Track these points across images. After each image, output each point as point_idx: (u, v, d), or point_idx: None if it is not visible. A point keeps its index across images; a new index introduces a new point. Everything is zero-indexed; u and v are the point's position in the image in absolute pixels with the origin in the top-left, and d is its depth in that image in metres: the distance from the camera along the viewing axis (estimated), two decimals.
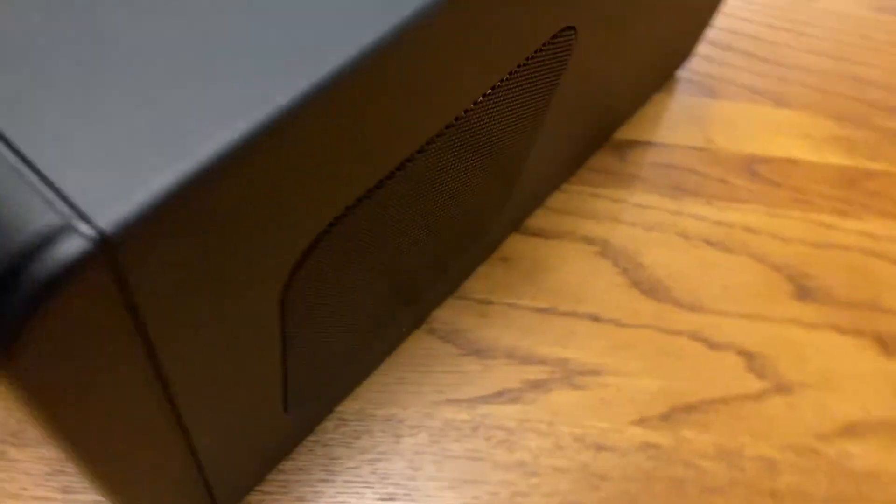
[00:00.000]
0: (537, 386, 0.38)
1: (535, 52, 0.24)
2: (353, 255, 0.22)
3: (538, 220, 0.43)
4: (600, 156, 0.46)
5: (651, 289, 0.41)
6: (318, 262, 0.21)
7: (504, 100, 0.25)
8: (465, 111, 0.22)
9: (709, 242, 0.43)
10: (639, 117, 0.47)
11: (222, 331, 0.20)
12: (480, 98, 0.23)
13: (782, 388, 0.39)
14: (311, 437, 0.35)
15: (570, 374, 0.38)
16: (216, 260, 0.17)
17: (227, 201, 0.15)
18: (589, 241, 0.43)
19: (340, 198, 0.20)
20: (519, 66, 0.24)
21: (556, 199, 0.44)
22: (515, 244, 0.42)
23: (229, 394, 0.24)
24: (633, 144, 0.46)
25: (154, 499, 0.27)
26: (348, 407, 0.36)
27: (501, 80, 0.23)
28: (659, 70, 0.45)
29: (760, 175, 0.46)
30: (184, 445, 0.24)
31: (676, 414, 0.38)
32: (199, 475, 0.26)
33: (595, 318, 0.40)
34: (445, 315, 0.39)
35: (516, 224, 0.42)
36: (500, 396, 0.37)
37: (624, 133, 0.47)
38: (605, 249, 0.42)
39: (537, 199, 0.42)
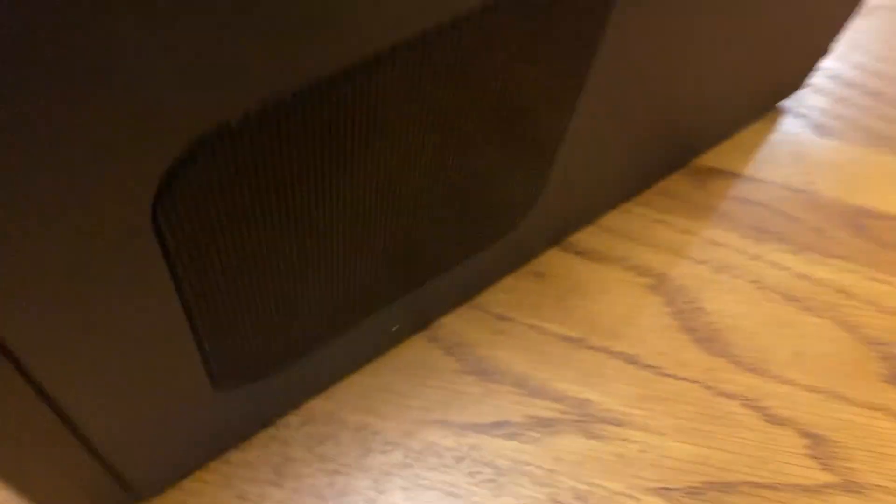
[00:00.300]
0: (544, 425, 0.32)
1: None
2: (270, 189, 0.18)
3: (586, 237, 0.37)
4: (675, 179, 0.40)
5: (707, 339, 0.35)
6: (207, 180, 0.16)
7: (504, 38, 0.20)
8: (437, 28, 0.18)
9: (788, 297, 0.36)
10: (728, 145, 0.41)
11: (75, 262, 0.16)
12: (463, 16, 0.18)
13: (851, 488, 0.32)
14: (270, 430, 0.31)
15: (586, 419, 0.32)
16: (24, 130, 0.13)
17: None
18: (641, 271, 0.36)
19: (236, 92, 0.15)
20: None
21: (612, 218, 0.38)
22: (554, 260, 0.36)
23: (118, 358, 0.20)
24: (716, 173, 0.40)
25: (45, 480, 0.23)
26: (319, 405, 0.31)
27: (494, 2, 0.18)
28: (757, 94, 0.38)
29: (867, 231, 0.39)
30: (51, 415, 0.20)
31: (709, 491, 0.31)
32: (85, 452, 0.22)
33: (631, 361, 0.34)
34: (453, 324, 0.34)
35: (557, 237, 0.36)
36: (496, 428, 0.32)
37: (707, 159, 0.40)
38: (659, 284, 0.36)
39: (587, 214, 0.36)
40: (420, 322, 0.33)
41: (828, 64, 0.45)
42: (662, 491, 0.31)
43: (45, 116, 0.13)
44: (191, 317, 0.20)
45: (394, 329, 0.31)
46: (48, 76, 0.12)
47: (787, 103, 0.43)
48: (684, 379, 0.34)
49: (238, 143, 0.16)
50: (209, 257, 0.18)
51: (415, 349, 0.33)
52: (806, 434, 0.33)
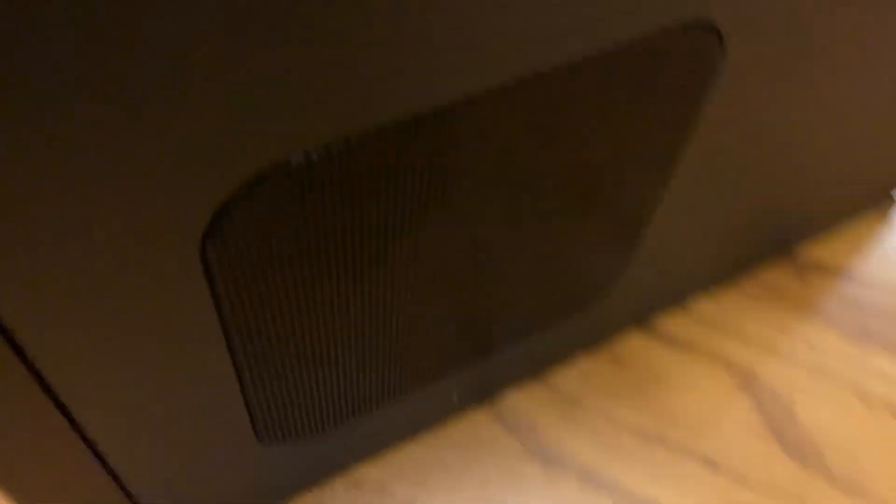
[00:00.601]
0: None
1: (644, 39, 0.17)
2: (329, 238, 0.17)
3: (672, 322, 0.35)
4: (773, 268, 0.37)
5: (799, 448, 0.31)
6: (261, 220, 0.15)
7: (596, 95, 0.18)
8: (522, 80, 0.16)
9: (895, 413, 0.33)
10: (835, 235, 0.38)
11: (119, 291, 0.15)
12: (549, 68, 0.16)
13: None
14: (315, 492, 0.29)
15: None
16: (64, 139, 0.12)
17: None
18: (731, 367, 0.34)
19: (300, 131, 0.14)
20: (616, 48, 0.17)
21: (702, 303, 0.35)
22: (634, 343, 0.34)
23: (159, 397, 0.19)
24: (820, 266, 0.37)
25: None
26: (368, 472, 0.30)
27: (585, 58, 0.17)
28: (871, 181, 0.35)
29: None
30: (85, 452, 0.19)
31: None
32: (118, 492, 0.21)
33: (711, 464, 0.31)
34: (519, 400, 0.32)
35: (640, 317, 0.34)
36: None
37: (811, 249, 0.37)
38: (748, 383, 0.33)
39: (674, 295, 0.34)
40: (483, 394, 0.31)
41: None
42: None
43: (94, 133, 0.12)
44: (236, 362, 0.19)
45: (454, 399, 0.29)
46: (106, 91, 0.12)
47: None
48: (769, 492, 0.30)
49: (297, 185, 0.15)
50: (259, 302, 0.17)
51: (475, 424, 0.31)
52: None
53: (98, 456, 0.20)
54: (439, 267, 0.20)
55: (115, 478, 0.21)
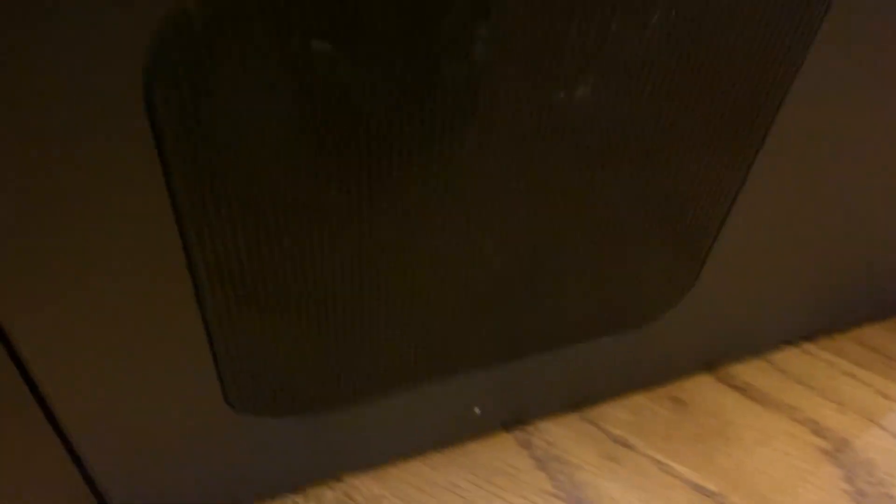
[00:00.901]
0: None
1: None
2: (311, 100, 0.13)
3: (750, 371, 0.29)
4: (877, 330, 0.31)
5: None
6: (219, 54, 0.12)
7: (690, 33, 0.14)
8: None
9: None
10: None
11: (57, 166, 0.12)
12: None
13: None
14: (299, 498, 0.25)
15: None
16: None
17: None
18: (817, 429, 0.28)
19: None
20: None
21: (789, 356, 0.30)
22: (702, 388, 0.29)
23: (109, 331, 0.16)
24: None
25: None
26: (366, 486, 0.25)
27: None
28: None
29: None
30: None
31: None
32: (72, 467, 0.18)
33: None
34: (555, 432, 0.27)
35: (709, 360, 0.29)
36: None
37: None
38: (838, 451, 0.27)
39: (750, 340, 0.29)
40: (511, 415, 0.26)
41: None
42: None
43: None
44: (196, 275, 0.15)
45: (476, 412, 0.25)
46: None
47: None
48: None
49: (282, 20, 0.12)
50: (218, 180, 0.14)
51: (498, 448, 0.26)
52: None
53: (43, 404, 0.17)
54: (463, 206, 0.17)
55: (72, 452, 0.18)
